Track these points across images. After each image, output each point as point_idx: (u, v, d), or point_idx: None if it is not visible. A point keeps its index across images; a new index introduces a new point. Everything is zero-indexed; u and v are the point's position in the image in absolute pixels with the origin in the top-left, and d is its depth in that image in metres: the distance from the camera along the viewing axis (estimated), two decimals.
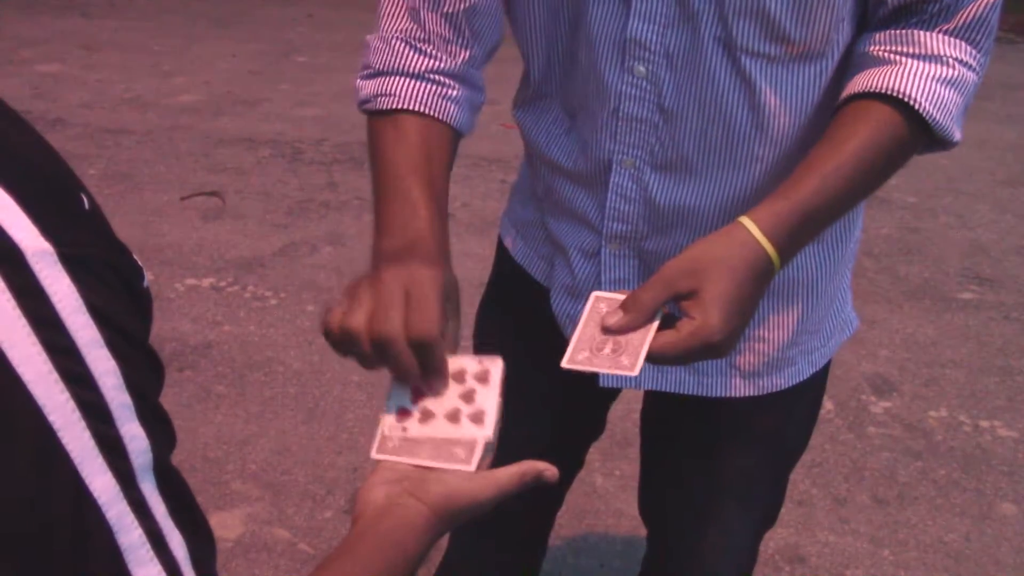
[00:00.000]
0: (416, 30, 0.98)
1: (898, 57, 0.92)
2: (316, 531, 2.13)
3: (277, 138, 4.39)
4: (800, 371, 1.14)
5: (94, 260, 0.47)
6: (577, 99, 1.04)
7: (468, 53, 0.99)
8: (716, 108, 0.96)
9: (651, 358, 0.85)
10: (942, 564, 2.09)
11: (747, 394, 1.13)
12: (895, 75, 0.91)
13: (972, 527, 2.20)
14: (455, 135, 0.99)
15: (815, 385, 1.19)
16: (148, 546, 0.48)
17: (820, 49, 0.93)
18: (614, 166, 1.02)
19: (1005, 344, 2.93)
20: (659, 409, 1.26)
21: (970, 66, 0.92)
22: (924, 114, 0.90)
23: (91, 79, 5.14)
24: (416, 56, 0.97)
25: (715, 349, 0.84)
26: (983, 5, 0.90)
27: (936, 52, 0.91)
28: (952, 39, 0.91)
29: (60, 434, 0.44)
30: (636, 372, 0.82)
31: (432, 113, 0.96)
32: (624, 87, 0.97)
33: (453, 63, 0.98)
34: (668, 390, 1.14)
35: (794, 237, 0.89)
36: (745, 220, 0.87)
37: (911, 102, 0.90)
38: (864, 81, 0.92)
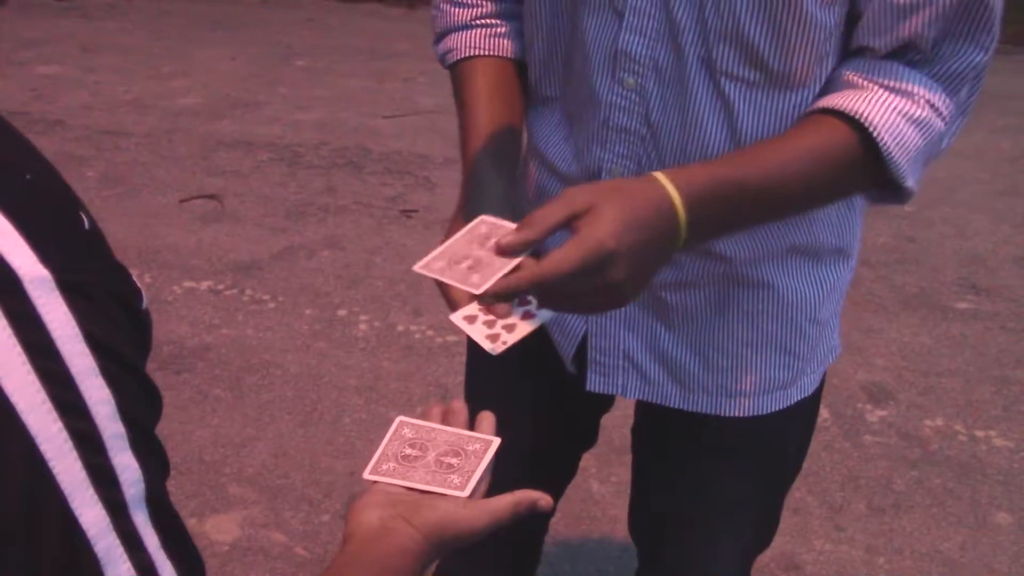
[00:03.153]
0: None
1: (869, 84, 0.91)
2: (313, 535, 2.12)
3: (276, 142, 4.39)
4: (789, 396, 1.14)
5: (92, 286, 0.47)
6: (574, 106, 1.05)
7: None
8: (696, 126, 0.97)
9: (542, 284, 0.81)
10: (937, 573, 2.09)
11: (735, 414, 1.12)
12: (861, 99, 0.90)
13: (967, 536, 2.20)
14: (513, 65, 1.10)
15: (807, 409, 1.18)
16: None
17: (801, 80, 0.93)
18: (603, 175, 1.03)
19: (1001, 354, 2.94)
20: (650, 426, 1.25)
21: (939, 112, 0.91)
22: (880, 143, 0.89)
23: (90, 81, 5.14)
24: (460, 11, 1.10)
25: (612, 265, 0.80)
26: (966, 64, 0.89)
27: (908, 89, 0.90)
28: (929, 80, 0.91)
29: (51, 464, 0.44)
30: (480, 291, 0.83)
31: (487, 53, 1.09)
32: (614, 98, 0.99)
33: (496, 5, 1.10)
34: (652, 400, 1.13)
35: (705, 202, 0.85)
36: (656, 172, 0.85)
37: (870, 128, 0.89)
38: (830, 99, 0.92)
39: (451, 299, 0.95)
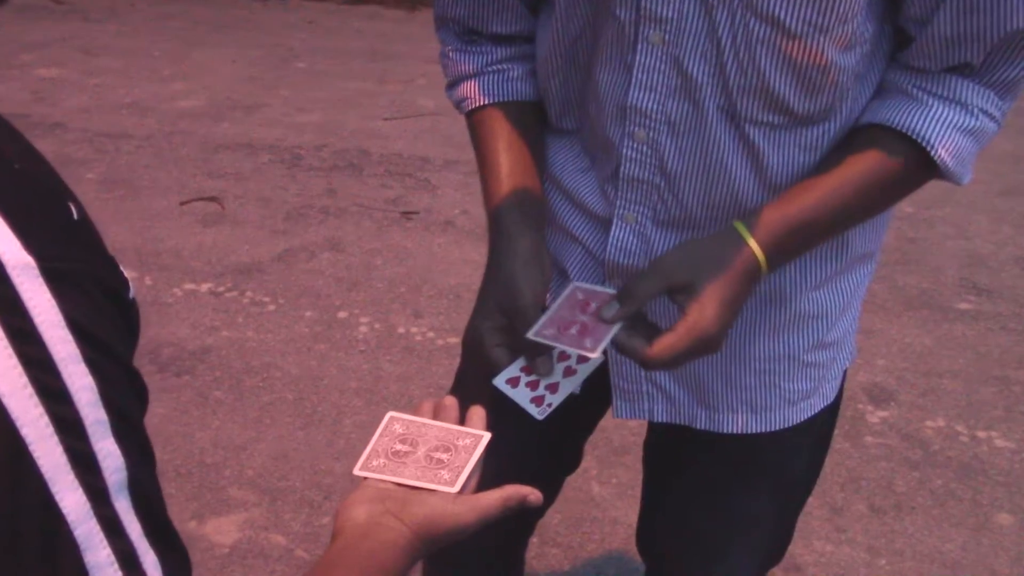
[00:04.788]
0: (463, 35, 1.10)
1: (925, 96, 0.92)
2: (313, 537, 2.12)
3: (276, 144, 4.39)
4: (813, 405, 1.13)
5: (78, 274, 0.47)
6: (591, 147, 1.06)
7: (515, 29, 1.08)
8: (721, 169, 0.97)
9: (651, 364, 0.89)
10: (939, 574, 2.09)
11: (760, 430, 1.11)
12: (918, 116, 0.91)
13: (969, 537, 2.20)
14: (529, 107, 1.10)
15: (825, 419, 1.18)
16: (116, 565, 0.47)
17: (824, 115, 0.94)
18: (615, 220, 1.03)
19: (1002, 354, 2.93)
20: (664, 442, 1.23)
21: (993, 116, 0.93)
22: (939, 160, 0.92)
23: (91, 84, 5.14)
24: (468, 58, 1.09)
25: (711, 343, 0.89)
26: (1017, 71, 0.90)
27: (963, 99, 0.91)
28: (982, 88, 0.91)
29: (32, 448, 0.44)
30: (596, 354, 0.89)
31: (501, 99, 1.08)
32: (625, 149, 0.99)
33: (504, 50, 1.09)
34: (680, 422, 1.12)
35: (783, 247, 0.93)
36: (738, 225, 0.92)
37: (929, 148, 0.91)
38: (886, 113, 0.93)
39: (492, 363, 0.97)
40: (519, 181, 1.03)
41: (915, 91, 0.92)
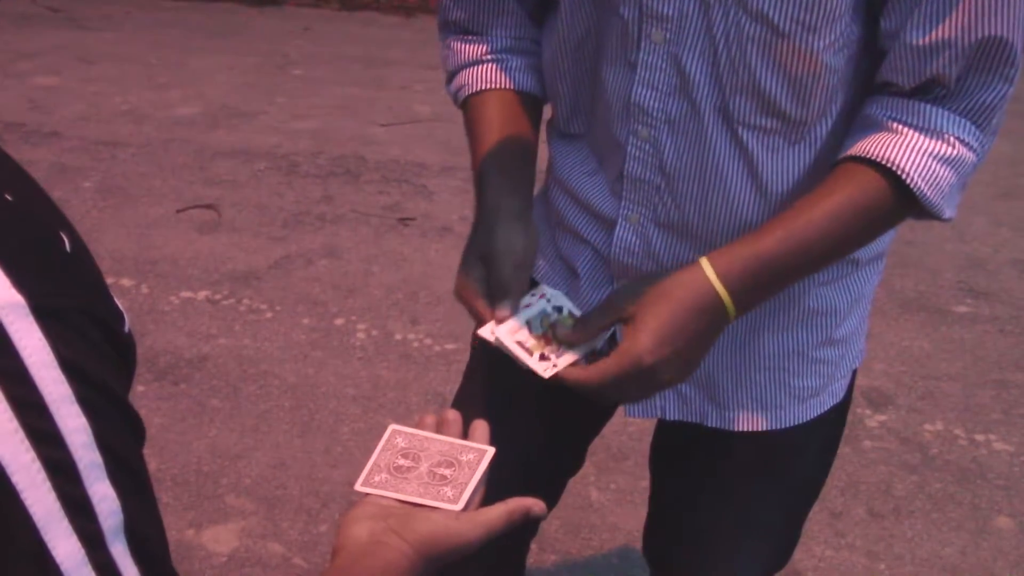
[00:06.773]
0: (463, 24, 1.11)
1: (899, 126, 0.91)
2: (311, 545, 2.12)
3: (273, 151, 4.39)
4: (823, 403, 1.12)
5: (71, 310, 0.46)
6: (600, 148, 1.06)
7: (517, 35, 1.10)
8: (716, 174, 0.97)
9: (584, 390, 0.90)
10: None
11: (769, 427, 1.11)
12: (892, 145, 0.90)
13: (968, 541, 2.19)
14: (526, 97, 1.10)
15: (834, 419, 1.17)
16: None
17: (816, 121, 0.94)
18: (620, 220, 1.04)
19: (1000, 357, 2.93)
20: (674, 442, 1.23)
21: (971, 146, 0.91)
22: (914, 188, 0.89)
23: (88, 92, 5.14)
24: (469, 47, 1.10)
25: (650, 373, 0.88)
26: (992, 95, 0.89)
27: (938, 128, 0.90)
28: (957, 117, 0.90)
29: (23, 495, 0.43)
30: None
31: (498, 86, 1.09)
32: (630, 148, 1.00)
33: (503, 42, 1.10)
34: (692, 420, 1.12)
35: (751, 283, 0.90)
36: (702, 260, 0.90)
37: (902, 175, 0.89)
38: (860, 146, 0.92)
39: (477, 315, 0.97)
40: (511, 157, 1.04)
41: (889, 122, 0.91)
